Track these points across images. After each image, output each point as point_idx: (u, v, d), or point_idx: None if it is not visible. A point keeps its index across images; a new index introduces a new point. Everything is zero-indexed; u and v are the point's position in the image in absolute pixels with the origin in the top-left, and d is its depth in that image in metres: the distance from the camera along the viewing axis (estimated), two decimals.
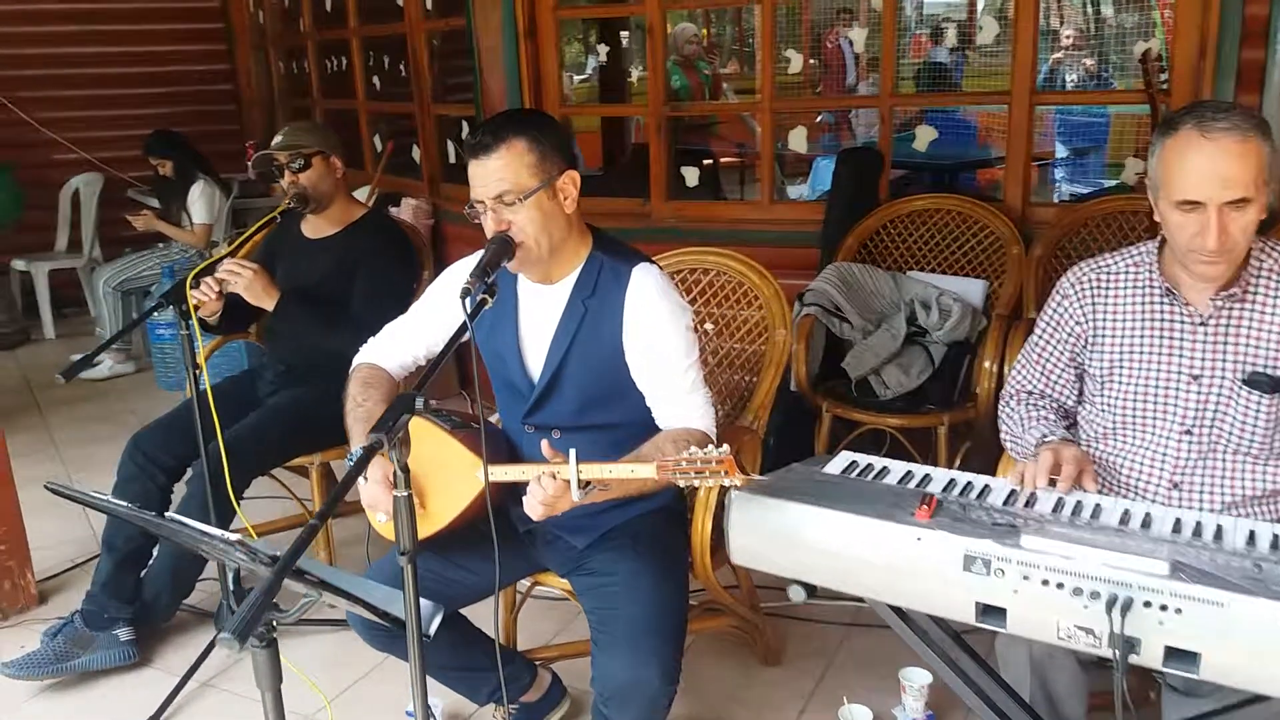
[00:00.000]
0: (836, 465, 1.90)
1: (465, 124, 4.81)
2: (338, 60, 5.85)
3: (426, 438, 2.06)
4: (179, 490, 2.85)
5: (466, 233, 4.75)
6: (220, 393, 3.07)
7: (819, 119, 8.60)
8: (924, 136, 3.79)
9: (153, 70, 6.80)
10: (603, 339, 2.01)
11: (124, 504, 1.58)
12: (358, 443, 2.07)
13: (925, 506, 1.62)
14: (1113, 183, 5.77)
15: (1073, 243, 3.31)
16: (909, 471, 1.86)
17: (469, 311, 1.71)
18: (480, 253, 2.15)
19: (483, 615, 2.14)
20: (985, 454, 3.38)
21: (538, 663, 2.44)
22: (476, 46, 4.28)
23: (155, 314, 2.62)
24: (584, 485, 1.76)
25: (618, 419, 2.05)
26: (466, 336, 1.71)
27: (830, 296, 3.38)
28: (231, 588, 1.65)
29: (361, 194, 5.15)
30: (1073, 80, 7.39)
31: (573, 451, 1.74)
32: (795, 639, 2.79)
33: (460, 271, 2.17)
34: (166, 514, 1.55)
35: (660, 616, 1.90)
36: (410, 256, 3.17)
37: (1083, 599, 1.44)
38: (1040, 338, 2.06)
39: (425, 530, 2.06)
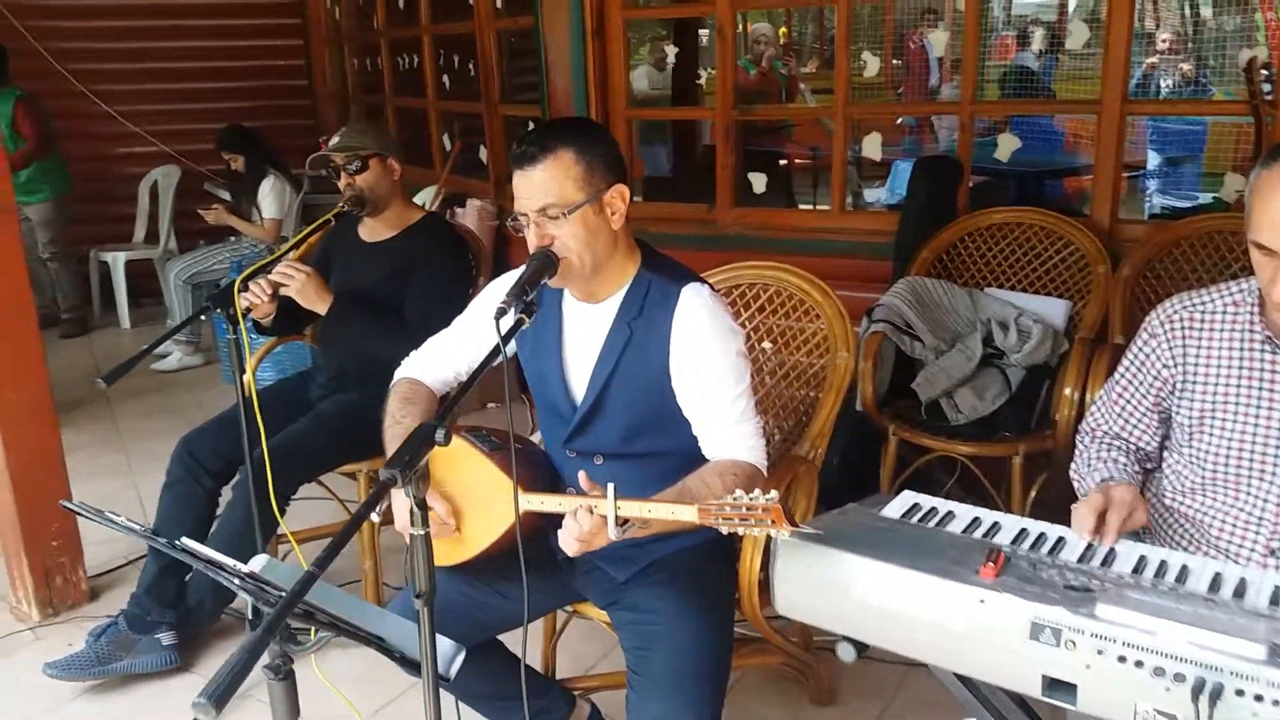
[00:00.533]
0: (896, 508, 1.76)
1: (532, 124, 4.73)
2: (409, 58, 5.83)
3: (464, 459, 1.97)
4: (227, 494, 2.82)
5: None
6: (270, 395, 3.04)
7: (899, 121, 8.36)
8: (1006, 146, 3.60)
9: (231, 65, 6.87)
10: (649, 363, 1.90)
11: (139, 525, 1.52)
12: None
13: (991, 563, 1.48)
14: (1209, 198, 5.46)
15: (1164, 263, 3.10)
16: (976, 519, 1.72)
17: (502, 333, 1.61)
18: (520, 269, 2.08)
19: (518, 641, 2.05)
20: (1063, 486, 3.19)
21: (577, 692, 2.34)
22: (544, 46, 4.21)
23: (202, 317, 2.57)
24: (622, 523, 1.66)
25: (665, 448, 1.94)
26: (499, 361, 1.61)
27: (901, 313, 3.21)
28: (250, 616, 1.58)
29: (428, 194, 5.12)
30: (1168, 86, 7.05)
31: (611, 487, 1.64)
32: (850, 677, 2.64)
33: (503, 284, 2.08)
34: (180, 541, 1.48)
35: (700, 662, 1.79)
36: (465, 262, 3.10)
37: (1165, 680, 1.29)
38: (1123, 377, 1.89)
39: (461, 555, 1.98)
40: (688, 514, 1.60)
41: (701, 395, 1.89)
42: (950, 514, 1.74)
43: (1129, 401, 1.87)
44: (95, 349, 5.98)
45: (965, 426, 3.04)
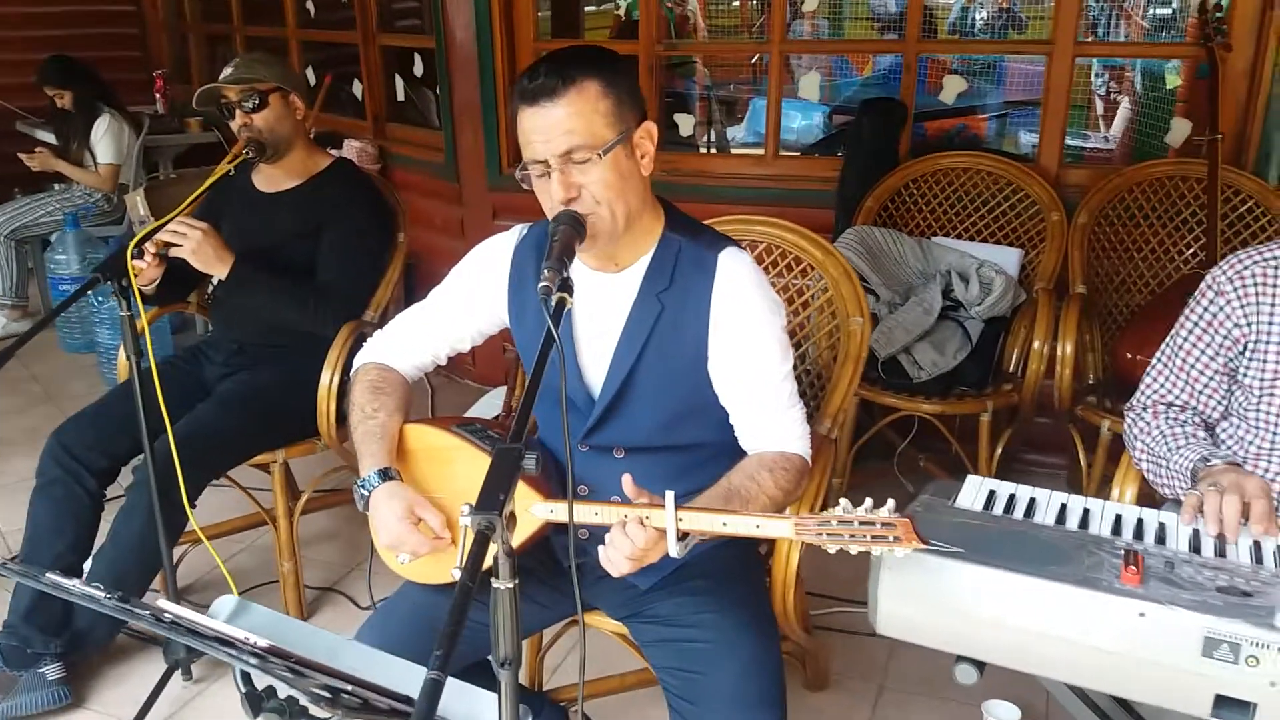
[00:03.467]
0: (971, 497, 1.57)
1: (418, 56, 4.29)
2: None
3: (459, 459, 1.67)
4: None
5: (415, 179, 4.26)
6: (159, 377, 2.59)
7: (753, 61, 8.16)
8: (952, 87, 3.47)
9: None
10: (684, 342, 1.63)
11: (113, 598, 1.16)
12: (369, 464, 1.66)
13: (1132, 567, 1.30)
14: (1099, 139, 5.51)
15: (1116, 210, 3.03)
16: (1064, 505, 1.55)
17: (553, 315, 1.31)
18: (518, 229, 1.77)
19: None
20: (1028, 441, 3.13)
21: (566, 705, 2.09)
22: None
23: (91, 290, 2.11)
24: (682, 536, 1.40)
25: (697, 439, 1.69)
26: (553, 351, 1.30)
27: (854, 265, 3.03)
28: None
29: None
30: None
31: (669, 495, 1.38)
32: (839, 656, 2.49)
33: (494, 251, 1.76)
34: (159, 605, 1.13)
35: (766, 684, 1.55)
36: (385, 214, 2.73)
37: None
38: (1186, 341, 1.75)
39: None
40: (778, 529, 1.35)
41: (746, 379, 1.64)
42: (1033, 501, 1.57)
43: (1194, 366, 1.74)
44: None
45: (927, 383, 2.91)
